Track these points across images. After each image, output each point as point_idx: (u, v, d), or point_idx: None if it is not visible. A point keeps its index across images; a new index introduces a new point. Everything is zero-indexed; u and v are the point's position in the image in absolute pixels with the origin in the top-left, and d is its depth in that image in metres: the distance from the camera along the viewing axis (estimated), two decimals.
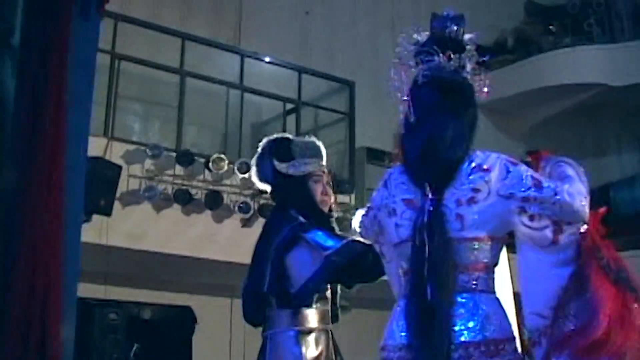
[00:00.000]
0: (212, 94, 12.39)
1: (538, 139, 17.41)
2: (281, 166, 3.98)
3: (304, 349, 3.66)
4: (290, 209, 3.84)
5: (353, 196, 11.92)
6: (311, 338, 3.68)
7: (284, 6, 14.50)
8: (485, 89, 2.67)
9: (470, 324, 2.38)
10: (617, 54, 15.94)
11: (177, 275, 11.64)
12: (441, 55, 2.57)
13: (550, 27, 16.97)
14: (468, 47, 2.66)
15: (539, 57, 16.39)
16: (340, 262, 3.57)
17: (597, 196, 13.83)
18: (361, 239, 3.29)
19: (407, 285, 2.49)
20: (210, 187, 10.62)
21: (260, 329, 3.89)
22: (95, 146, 9.23)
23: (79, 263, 6.85)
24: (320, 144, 4.11)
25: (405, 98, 2.63)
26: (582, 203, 2.51)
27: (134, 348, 9.20)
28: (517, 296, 5.11)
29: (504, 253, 5.13)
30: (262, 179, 4.12)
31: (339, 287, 3.91)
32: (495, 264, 2.55)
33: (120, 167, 9.20)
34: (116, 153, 9.86)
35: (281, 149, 4.02)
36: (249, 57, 12.26)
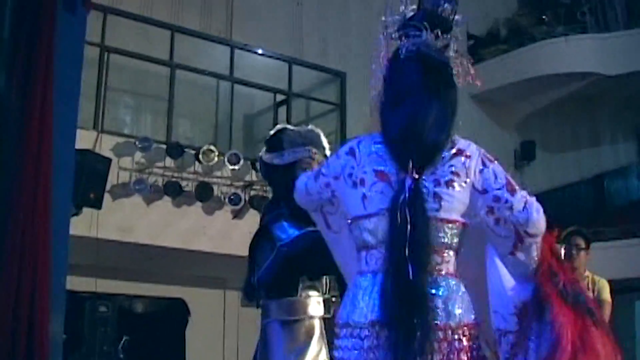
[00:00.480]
0: (204, 86, 12.38)
1: (532, 129, 17.42)
2: (267, 157, 3.96)
3: (289, 339, 3.64)
4: (281, 200, 3.83)
5: None
6: (296, 328, 3.66)
7: None
8: (469, 77, 2.61)
9: (448, 307, 2.35)
10: (610, 43, 15.94)
11: (169, 268, 11.63)
12: (429, 32, 2.50)
13: (543, 17, 16.94)
14: (454, 28, 2.59)
15: (532, 46, 16.36)
16: (290, 252, 3.53)
17: (592, 186, 13.77)
18: None
19: (380, 261, 2.39)
20: (201, 179, 10.60)
21: (256, 320, 3.89)
22: (85, 139, 9.21)
23: (67, 256, 6.88)
24: (318, 131, 4.06)
25: (383, 69, 2.57)
26: (543, 216, 2.51)
27: (123, 340, 9.19)
28: None
29: None
30: (261, 173, 4.17)
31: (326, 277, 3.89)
32: (459, 250, 2.51)
33: (109, 160, 9.17)
34: (106, 146, 9.84)
35: (272, 141, 4.00)
36: (240, 48, 12.23)
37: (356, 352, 2.36)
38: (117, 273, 11.04)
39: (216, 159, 10.57)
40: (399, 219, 2.30)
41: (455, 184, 2.43)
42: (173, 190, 10.23)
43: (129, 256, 10.52)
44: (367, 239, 2.44)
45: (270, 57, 12.81)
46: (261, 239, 3.75)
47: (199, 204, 10.51)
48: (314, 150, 3.94)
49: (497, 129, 17.17)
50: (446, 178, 2.42)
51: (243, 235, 7.30)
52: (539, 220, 2.48)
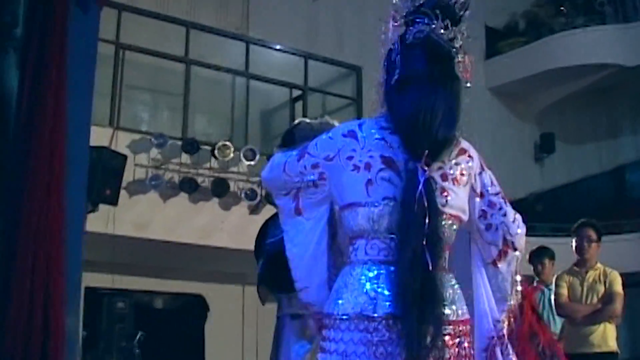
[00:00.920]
0: (221, 82, 12.41)
1: (551, 121, 17.31)
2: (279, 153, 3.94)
3: (297, 332, 3.66)
4: None
5: None
6: (305, 322, 3.67)
7: None
8: (468, 74, 2.54)
9: (453, 302, 2.32)
10: (629, 33, 15.75)
11: (187, 264, 11.67)
12: (439, 21, 2.40)
13: (562, 8, 16.80)
14: (462, 24, 2.48)
15: (551, 38, 16.25)
16: (273, 250, 3.50)
17: (611, 178, 13.69)
18: None
19: (384, 251, 2.31)
20: (217, 174, 10.62)
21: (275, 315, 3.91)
22: (101, 136, 9.26)
23: (82, 252, 6.92)
24: (332, 122, 4.00)
25: (390, 52, 2.49)
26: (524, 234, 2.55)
27: (138, 335, 9.22)
28: None
29: None
30: None
31: None
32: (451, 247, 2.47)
33: (125, 157, 9.22)
34: (122, 143, 9.88)
35: (286, 136, 3.97)
36: (255, 44, 12.24)
37: (364, 346, 2.23)
38: (135, 269, 11.09)
39: (232, 154, 10.59)
40: (416, 210, 2.22)
41: (460, 181, 2.39)
42: (189, 186, 10.26)
43: (145, 252, 10.56)
44: (365, 226, 2.34)
45: (286, 52, 12.81)
46: (259, 235, 3.77)
47: (215, 199, 10.54)
48: None
49: (516, 121, 17.10)
50: (453, 174, 2.38)
51: None
52: (523, 235, 2.52)
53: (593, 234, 6.17)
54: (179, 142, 10.50)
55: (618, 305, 5.94)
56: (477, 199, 2.46)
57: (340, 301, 2.33)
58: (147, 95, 12.32)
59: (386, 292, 2.25)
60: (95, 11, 7.49)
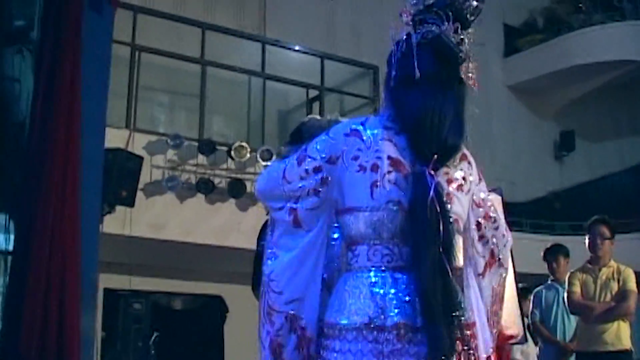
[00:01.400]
0: (237, 83, 12.42)
1: (570, 118, 17.19)
2: (284, 150, 3.89)
3: None
4: None
5: None
6: None
7: None
8: (471, 80, 2.43)
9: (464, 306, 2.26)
10: None
11: (205, 265, 11.68)
12: (450, 23, 2.30)
13: (580, 5, 16.71)
14: (472, 29, 2.37)
15: (569, 35, 16.17)
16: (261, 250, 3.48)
17: (633, 175, 13.55)
18: None
19: (387, 257, 2.21)
20: (233, 175, 10.62)
21: None
22: (118, 138, 9.30)
23: (97, 253, 6.95)
24: (341, 120, 3.96)
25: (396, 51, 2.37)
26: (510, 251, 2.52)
27: (154, 336, 9.25)
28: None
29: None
30: None
31: None
32: None
33: (141, 158, 9.23)
34: (138, 144, 9.90)
35: (294, 133, 3.92)
36: (271, 44, 12.25)
37: (374, 358, 2.13)
38: (151, 270, 11.11)
39: (248, 155, 10.58)
40: (429, 216, 2.13)
41: (464, 188, 2.32)
42: (206, 187, 10.27)
43: (162, 253, 10.58)
44: (366, 232, 2.24)
45: (303, 52, 12.81)
46: (259, 236, 3.73)
47: (232, 200, 10.53)
48: None
49: (535, 119, 17.01)
50: (459, 181, 2.31)
51: None
52: (509, 253, 2.50)
53: (606, 231, 6.08)
54: (195, 143, 10.52)
55: (632, 303, 5.86)
56: (475, 209, 2.38)
57: (345, 310, 2.22)
58: (164, 96, 12.37)
59: (394, 301, 2.17)
60: (109, 12, 7.52)
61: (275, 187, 2.37)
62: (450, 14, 2.31)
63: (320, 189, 2.31)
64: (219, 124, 12.60)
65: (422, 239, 2.14)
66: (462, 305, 2.20)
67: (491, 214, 2.41)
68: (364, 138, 2.27)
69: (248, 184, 10.58)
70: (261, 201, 2.52)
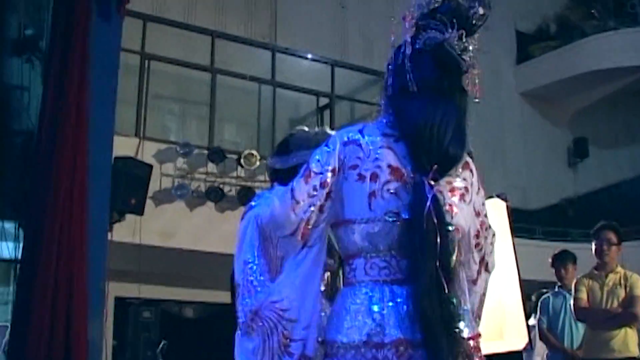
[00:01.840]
0: (247, 91, 12.41)
1: (583, 125, 17.11)
2: (270, 161, 3.88)
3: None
4: None
5: None
6: None
7: (319, 0, 14.47)
8: (475, 88, 2.38)
9: (462, 320, 2.20)
10: None
11: (213, 273, 11.64)
12: (454, 30, 2.23)
13: (593, 11, 16.64)
14: (478, 35, 2.29)
15: (582, 41, 16.09)
16: None
17: None
18: None
19: (385, 271, 2.16)
20: (243, 183, 10.60)
21: None
22: (127, 146, 9.32)
23: (106, 261, 6.95)
24: (330, 133, 3.96)
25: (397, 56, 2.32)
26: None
27: (162, 345, 9.23)
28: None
29: (509, 238, 5.03)
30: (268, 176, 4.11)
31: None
32: None
33: (150, 166, 9.22)
34: (148, 152, 9.90)
35: (281, 144, 3.91)
36: (282, 52, 12.25)
37: None
38: (161, 278, 11.10)
39: (258, 163, 10.55)
40: (425, 229, 2.08)
41: (466, 198, 2.25)
42: (215, 195, 10.25)
43: (172, 261, 10.57)
44: (362, 245, 2.19)
45: (313, 60, 12.80)
46: None
47: (242, 208, 10.45)
48: None
49: (548, 126, 16.94)
50: (461, 189, 2.24)
51: None
52: (494, 258, 2.46)
53: (613, 237, 6.02)
54: (205, 151, 10.51)
55: (639, 309, 5.81)
56: (475, 217, 2.32)
57: (344, 327, 2.17)
58: (174, 104, 12.38)
59: (393, 317, 2.12)
60: (117, 21, 7.55)
61: (285, 212, 2.27)
62: (454, 20, 2.24)
63: (324, 205, 2.25)
64: (229, 132, 12.60)
65: (420, 251, 2.09)
66: (462, 318, 2.14)
67: (488, 225, 2.37)
68: (363, 146, 2.23)
69: (258, 192, 10.55)
70: (267, 232, 2.43)
